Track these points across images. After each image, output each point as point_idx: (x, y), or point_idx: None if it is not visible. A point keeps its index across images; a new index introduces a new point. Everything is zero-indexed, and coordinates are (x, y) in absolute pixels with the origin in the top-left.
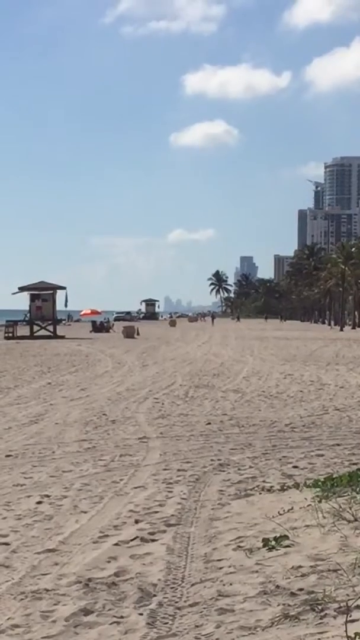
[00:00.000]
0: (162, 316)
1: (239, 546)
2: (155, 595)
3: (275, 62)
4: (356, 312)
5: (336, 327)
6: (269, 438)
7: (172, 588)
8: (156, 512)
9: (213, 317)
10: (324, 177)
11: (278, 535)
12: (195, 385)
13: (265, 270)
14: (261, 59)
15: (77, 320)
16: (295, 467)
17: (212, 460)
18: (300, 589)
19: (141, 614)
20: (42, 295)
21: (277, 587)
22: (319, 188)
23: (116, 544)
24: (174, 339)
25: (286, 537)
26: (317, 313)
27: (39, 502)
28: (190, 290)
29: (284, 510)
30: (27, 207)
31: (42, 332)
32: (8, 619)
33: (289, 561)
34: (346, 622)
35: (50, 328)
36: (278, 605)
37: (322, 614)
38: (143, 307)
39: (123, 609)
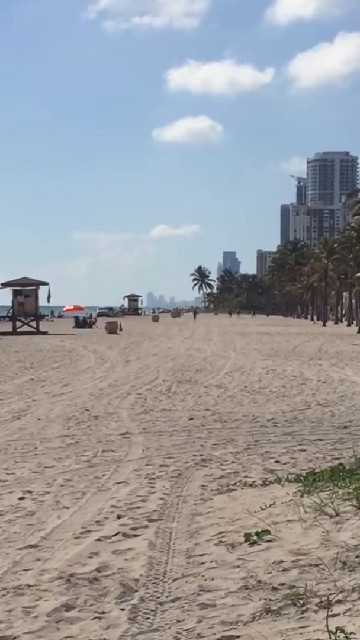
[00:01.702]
0: (145, 312)
1: (221, 541)
2: (137, 591)
3: (259, 58)
4: (339, 307)
5: (319, 322)
6: (251, 433)
7: (154, 583)
8: (138, 507)
9: (195, 313)
10: (306, 172)
11: (260, 530)
12: (178, 380)
13: (248, 266)
14: (244, 55)
15: (60, 316)
16: (277, 462)
17: (194, 455)
18: (282, 584)
19: (123, 609)
20: (25, 291)
21: (259, 582)
22: (301, 183)
23: (98, 540)
24: (157, 334)
25: (268, 532)
26: (299, 308)
27: (21, 498)
28: (173, 286)
29: (265, 505)
30: (10, 203)
31: (25, 328)
32: None
33: (271, 556)
34: (327, 616)
35: (33, 324)
36: (260, 600)
37: (304, 608)
38: (126, 303)
39: (105, 605)
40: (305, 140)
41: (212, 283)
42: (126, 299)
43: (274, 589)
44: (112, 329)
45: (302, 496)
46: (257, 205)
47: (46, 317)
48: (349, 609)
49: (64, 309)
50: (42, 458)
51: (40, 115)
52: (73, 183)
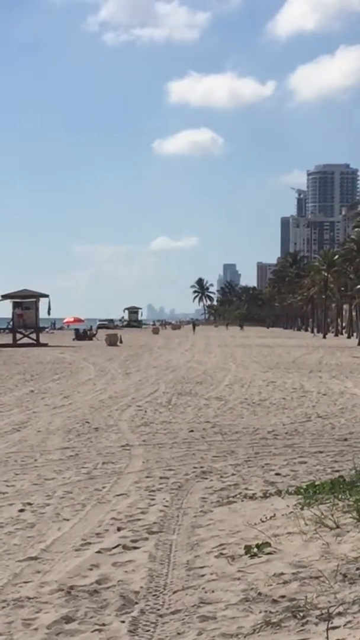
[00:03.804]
0: (145, 324)
1: (221, 553)
2: (137, 603)
3: (260, 71)
4: (339, 320)
5: (319, 335)
6: (251, 445)
7: (154, 595)
8: (138, 519)
9: (194, 325)
10: (306, 184)
11: (260, 542)
12: (178, 392)
13: (249, 278)
14: (245, 67)
15: (61, 328)
16: (277, 474)
17: (194, 467)
18: (282, 596)
19: (123, 622)
20: (25, 303)
21: (259, 594)
22: (301, 196)
23: (98, 552)
24: (157, 346)
25: (268, 544)
26: (300, 320)
27: (21, 510)
28: (174, 298)
29: (266, 518)
30: (10, 215)
31: (25, 340)
32: None
33: (271, 568)
34: (327, 629)
35: (34, 336)
36: (260, 612)
37: (304, 620)
38: (126, 315)
39: (105, 617)
40: (305, 153)
41: (212, 295)
42: (126, 311)
43: (275, 601)
44: (112, 341)
45: (302, 508)
46: (258, 218)
47: (46, 330)
48: (349, 621)
49: (64, 321)
50: (42, 470)
51: (40, 127)
52: (73, 194)
